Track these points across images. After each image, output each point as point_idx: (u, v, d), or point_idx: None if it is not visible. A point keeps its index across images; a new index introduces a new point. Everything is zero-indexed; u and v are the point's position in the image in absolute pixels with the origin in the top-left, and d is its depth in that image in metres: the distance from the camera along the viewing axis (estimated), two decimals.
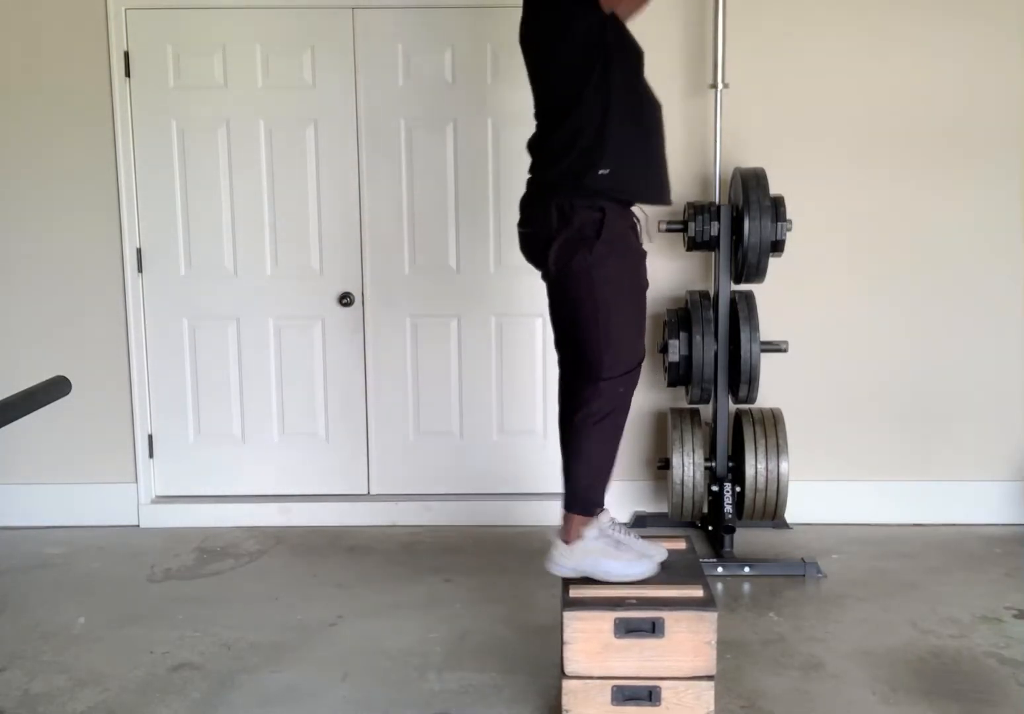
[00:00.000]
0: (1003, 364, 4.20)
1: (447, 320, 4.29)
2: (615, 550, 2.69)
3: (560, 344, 2.87)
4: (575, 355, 2.75)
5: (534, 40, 2.79)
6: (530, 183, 2.82)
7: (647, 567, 2.69)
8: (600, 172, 2.63)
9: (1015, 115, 4.06)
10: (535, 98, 2.83)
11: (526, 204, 2.82)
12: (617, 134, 2.65)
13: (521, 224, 2.84)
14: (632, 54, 2.74)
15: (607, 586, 2.66)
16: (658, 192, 2.80)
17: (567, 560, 2.69)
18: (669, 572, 2.77)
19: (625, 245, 2.69)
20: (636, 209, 2.76)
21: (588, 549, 2.68)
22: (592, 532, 2.69)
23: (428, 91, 4.15)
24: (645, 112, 2.73)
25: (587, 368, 2.70)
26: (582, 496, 2.71)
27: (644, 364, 4.28)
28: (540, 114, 2.82)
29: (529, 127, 4.09)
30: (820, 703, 2.81)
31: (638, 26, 4.06)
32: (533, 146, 2.83)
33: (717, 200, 3.95)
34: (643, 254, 2.76)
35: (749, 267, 3.77)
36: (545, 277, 2.78)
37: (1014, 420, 4.22)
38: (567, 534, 2.70)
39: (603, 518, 2.73)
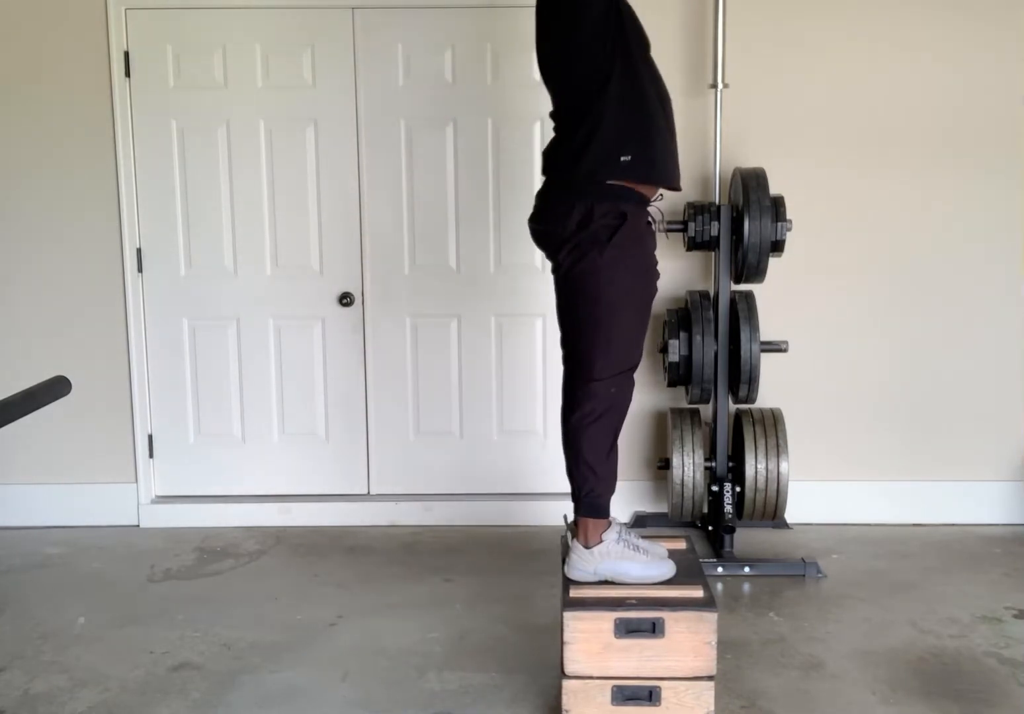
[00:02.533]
0: (1003, 364, 4.20)
1: (447, 320, 4.29)
2: (633, 552, 2.68)
3: (564, 342, 2.86)
4: (572, 354, 2.75)
5: (550, 36, 2.74)
6: (548, 183, 2.78)
7: (666, 569, 2.68)
8: (623, 159, 2.61)
9: (1016, 117, 4.06)
10: (553, 99, 2.80)
11: (544, 202, 2.77)
12: (636, 122, 2.64)
13: (534, 220, 2.80)
14: (642, 39, 2.72)
15: (607, 586, 2.66)
16: (676, 175, 2.78)
17: (587, 564, 2.68)
18: None
19: (639, 251, 2.68)
20: (652, 208, 2.74)
21: (607, 552, 2.67)
22: (611, 535, 2.69)
23: (428, 91, 4.15)
24: (662, 99, 2.73)
25: (580, 368, 2.71)
26: (589, 500, 2.71)
27: (644, 364, 4.28)
28: (557, 115, 2.79)
29: (528, 127, 4.12)
30: (820, 703, 2.81)
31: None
32: (551, 151, 2.79)
33: (717, 200, 3.95)
34: (655, 262, 2.75)
35: (749, 267, 3.77)
36: (555, 272, 2.77)
37: (1014, 420, 4.22)
38: (585, 538, 2.69)
39: (617, 523, 2.74)
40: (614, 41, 2.62)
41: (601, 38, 2.62)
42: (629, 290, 2.67)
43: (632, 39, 2.68)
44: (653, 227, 2.75)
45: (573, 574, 2.70)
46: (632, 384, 2.75)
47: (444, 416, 4.35)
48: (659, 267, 2.70)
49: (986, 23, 4.01)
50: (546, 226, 2.74)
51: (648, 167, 2.67)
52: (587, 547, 2.68)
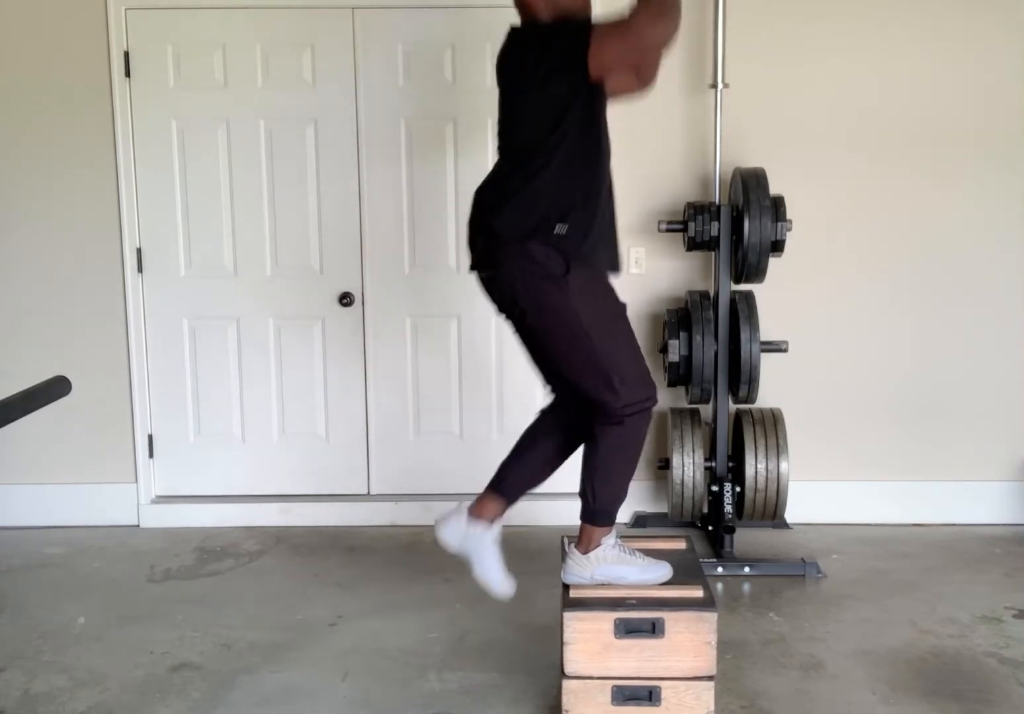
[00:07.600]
0: (1003, 364, 4.20)
1: (447, 320, 4.29)
2: (630, 557, 2.69)
3: (551, 380, 2.83)
4: (578, 395, 2.69)
5: (512, 77, 2.68)
6: (480, 228, 2.69)
7: (663, 571, 2.69)
8: (556, 229, 2.54)
9: (1018, 116, 4.06)
10: (499, 133, 2.73)
11: (479, 248, 2.69)
12: (580, 190, 2.57)
13: (476, 267, 2.72)
14: (600, 130, 2.62)
15: (607, 586, 2.66)
16: (614, 259, 2.70)
17: (584, 569, 2.68)
18: None
19: (594, 274, 2.62)
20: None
21: (603, 557, 2.67)
22: (608, 540, 2.69)
23: (428, 91, 4.15)
24: (603, 182, 2.64)
25: (598, 407, 2.63)
26: (607, 510, 2.70)
27: None
28: (501, 153, 2.72)
29: None
30: (820, 703, 2.81)
31: None
32: (486, 188, 2.71)
33: (717, 200, 3.95)
34: (610, 282, 2.70)
35: (749, 267, 3.77)
36: (512, 318, 2.71)
37: (1014, 420, 4.22)
38: (586, 545, 2.69)
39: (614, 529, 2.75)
40: (577, 115, 2.54)
41: (563, 109, 2.53)
42: (602, 311, 2.62)
43: (593, 125, 2.60)
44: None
45: (569, 579, 2.70)
46: (652, 413, 2.70)
47: (444, 416, 4.35)
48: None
49: (988, 20, 4.01)
50: (490, 272, 2.66)
51: (578, 245, 2.55)
52: (584, 553, 2.68)
